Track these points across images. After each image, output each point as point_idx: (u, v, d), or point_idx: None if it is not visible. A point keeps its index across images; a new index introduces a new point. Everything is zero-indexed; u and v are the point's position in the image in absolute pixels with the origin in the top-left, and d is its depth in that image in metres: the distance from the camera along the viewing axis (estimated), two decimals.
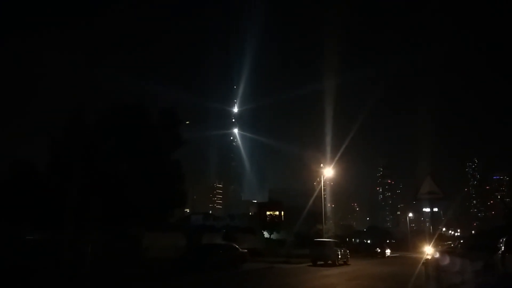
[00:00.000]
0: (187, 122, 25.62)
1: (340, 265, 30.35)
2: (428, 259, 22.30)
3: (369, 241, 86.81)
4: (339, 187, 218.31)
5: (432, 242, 47.11)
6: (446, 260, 27.14)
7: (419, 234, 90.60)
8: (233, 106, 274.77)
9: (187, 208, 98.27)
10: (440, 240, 54.67)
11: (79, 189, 17.90)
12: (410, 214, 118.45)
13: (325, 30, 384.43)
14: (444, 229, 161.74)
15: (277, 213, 65.58)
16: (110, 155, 21.85)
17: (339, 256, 31.04)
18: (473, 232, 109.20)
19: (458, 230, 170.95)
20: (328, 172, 48.97)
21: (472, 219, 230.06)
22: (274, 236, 58.21)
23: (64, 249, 17.64)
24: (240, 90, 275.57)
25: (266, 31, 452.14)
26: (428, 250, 43.79)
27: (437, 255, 35.06)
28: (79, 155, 19.83)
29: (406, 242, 76.42)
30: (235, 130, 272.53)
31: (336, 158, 61.92)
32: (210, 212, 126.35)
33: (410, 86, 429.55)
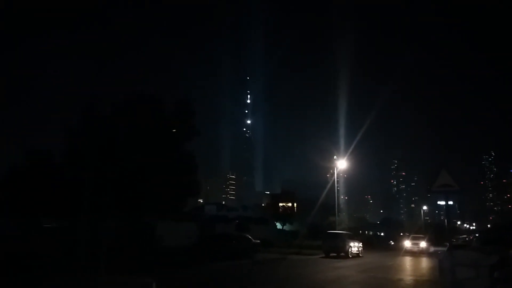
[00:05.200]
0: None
1: (352, 257, 30.31)
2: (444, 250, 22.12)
3: (382, 234, 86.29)
4: (353, 179, 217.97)
5: (411, 235, 44.48)
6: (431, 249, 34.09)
7: (434, 227, 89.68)
8: (246, 97, 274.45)
9: (200, 199, 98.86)
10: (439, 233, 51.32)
11: (94, 178, 18.12)
12: (425, 207, 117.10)
13: (340, 21, 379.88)
14: (459, 222, 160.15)
15: (289, 204, 65.57)
16: (125, 144, 22.05)
17: (352, 248, 30.97)
18: (488, 226, 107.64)
19: (474, 224, 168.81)
20: (341, 164, 48.72)
21: (488, 212, 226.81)
22: (286, 227, 58.32)
23: (80, 236, 17.95)
24: (254, 81, 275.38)
25: (278, 22, 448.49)
26: (407, 244, 39.87)
27: (424, 245, 37.47)
28: (94, 145, 20.05)
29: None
30: (249, 121, 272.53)
31: (350, 150, 61.57)
32: (224, 202, 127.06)
33: (426, 77, 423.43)
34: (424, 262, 27.29)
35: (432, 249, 37.73)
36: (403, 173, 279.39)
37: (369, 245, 46.25)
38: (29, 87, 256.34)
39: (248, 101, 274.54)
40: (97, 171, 18.63)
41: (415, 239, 41.43)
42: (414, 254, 36.69)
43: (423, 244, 39.08)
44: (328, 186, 64.02)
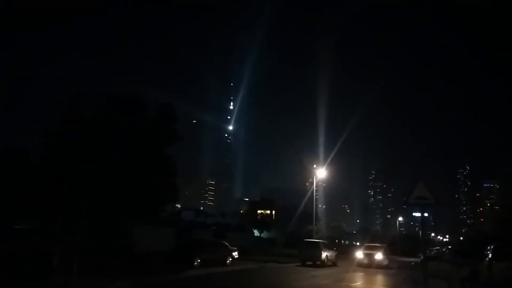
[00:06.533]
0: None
1: (328, 266, 30.46)
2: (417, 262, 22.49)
3: (358, 243, 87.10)
4: (331, 189, 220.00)
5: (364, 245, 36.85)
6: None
7: (409, 238, 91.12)
8: (229, 103, 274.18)
9: (178, 204, 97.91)
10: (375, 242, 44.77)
11: (71, 180, 17.79)
12: (400, 218, 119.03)
13: (321, 35, 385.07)
14: (433, 234, 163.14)
15: (268, 212, 65.69)
16: (105, 146, 21.75)
17: (328, 257, 31.13)
18: (461, 238, 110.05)
19: (447, 236, 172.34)
20: (320, 173, 49.11)
21: (461, 225, 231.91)
22: (264, 235, 58.33)
23: (53, 239, 17.54)
24: (237, 88, 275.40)
25: (262, 32, 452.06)
26: (359, 255, 32.26)
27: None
28: (73, 146, 19.71)
29: (395, 246, 76.72)
30: (230, 128, 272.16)
31: (329, 160, 62.28)
32: (202, 208, 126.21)
33: (403, 91, 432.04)
34: (399, 273, 27.63)
35: (386, 262, 32.15)
36: (381, 184, 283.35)
37: (345, 254, 46.60)
38: (8, 86, 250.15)
39: (231, 107, 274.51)
40: (74, 172, 18.30)
41: (369, 248, 33.55)
42: (367, 267, 30.00)
43: (378, 255, 31.24)
44: (307, 194, 64.45)
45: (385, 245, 37.11)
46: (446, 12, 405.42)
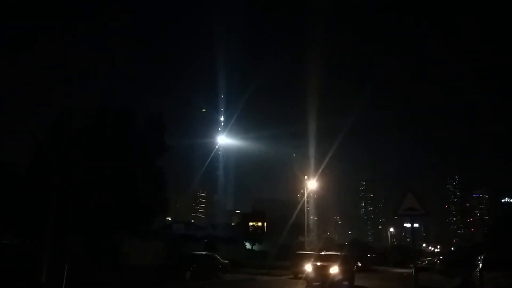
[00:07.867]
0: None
1: None
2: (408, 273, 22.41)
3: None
4: (322, 200, 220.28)
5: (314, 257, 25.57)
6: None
7: (400, 249, 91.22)
8: (219, 114, 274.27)
9: (169, 216, 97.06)
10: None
11: (60, 193, 17.60)
12: (392, 229, 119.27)
13: (310, 47, 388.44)
14: (424, 244, 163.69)
15: (260, 224, 65.37)
16: (94, 159, 21.59)
17: None
18: (452, 248, 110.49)
19: (438, 246, 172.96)
20: (311, 184, 49.15)
21: (452, 235, 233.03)
22: (256, 247, 57.96)
23: (41, 254, 17.26)
24: (227, 99, 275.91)
25: (252, 43, 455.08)
26: (308, 268, 21.79)
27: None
28: (62, 159, 19.54)
29: (386, 256, 76.69)
30: (221, 139, 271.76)
31: (320, 171, 62.48)
32: (193, 221, 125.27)
33: (392, 103, 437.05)
34: (392, 284, 27.50)
35: (340, 276, 20.83)
36: (371, 195, 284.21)
37: None
38: None
39: (222, 118, 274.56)
40: (63, 185, 18.11)
41: (322, 259, 23.22)
42: (317, 287, 20.88)
43: (334, 269, 20.74)
44: (299, 206, 64.40)
45: (343, 253, 26.39)
46: (436, 21, 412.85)
